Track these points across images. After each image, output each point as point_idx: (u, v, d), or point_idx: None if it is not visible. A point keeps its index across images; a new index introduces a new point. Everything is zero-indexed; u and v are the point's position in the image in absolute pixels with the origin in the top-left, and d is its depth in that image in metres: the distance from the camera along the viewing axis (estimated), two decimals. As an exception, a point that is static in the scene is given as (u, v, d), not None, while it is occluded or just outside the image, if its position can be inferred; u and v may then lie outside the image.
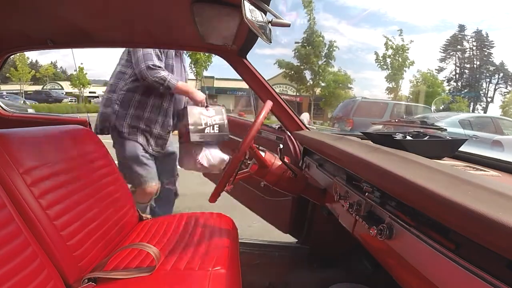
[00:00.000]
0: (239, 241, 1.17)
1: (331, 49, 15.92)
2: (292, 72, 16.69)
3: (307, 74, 16.75)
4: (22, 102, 14.29)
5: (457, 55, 21.93)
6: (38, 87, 23.12)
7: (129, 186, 1.65)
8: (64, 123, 1.52)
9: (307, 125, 1.47)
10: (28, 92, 20.10)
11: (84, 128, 1.22)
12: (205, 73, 15.32)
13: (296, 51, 16.10)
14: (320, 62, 16.06)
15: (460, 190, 0.46)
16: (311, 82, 16.86)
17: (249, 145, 0.94)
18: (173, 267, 0.90)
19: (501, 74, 20.62)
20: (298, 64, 16.47)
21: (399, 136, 0.92)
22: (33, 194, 0.80)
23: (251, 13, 0.69)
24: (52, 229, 0.81)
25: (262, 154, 1.06)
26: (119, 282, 0.81)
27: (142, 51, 1.48)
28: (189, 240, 1.05)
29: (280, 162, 1.07)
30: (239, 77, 1.46)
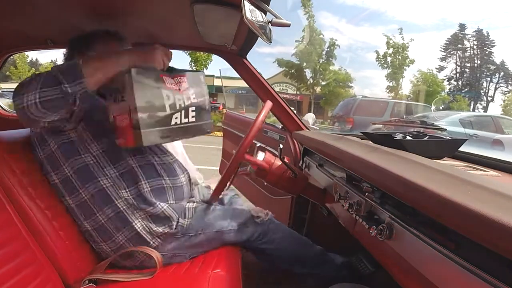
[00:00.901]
0: None
1: (332, 48, 15.89)
2: (293, 70, 16.68)
3: (308, 73, 16.76)
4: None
5: (457, 54, 21.92)
6: (38, 86, 23.06)
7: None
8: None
9: (312, 126, 1.46)
10: (28, 91, 20.06)
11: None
12: (205, 72, 15.27)
13: (297, 49, 16.10)
14: (321, 61, 16.04)
15: (460, 190, 0.46)
16: (311, 81, 16.85)
17: (248, 146, 0.94)
18: (174, 271, 0.90)
19: (502, 73, 20.62)
20: (299, 62, 16.46)
21: (399, 136, 0.92)
22: (32, 194, 0.80)
23: (251, 13, 0.69)
24: (51, 228, 0.81)
25: (263, 154, 1.06)
26: (120, 285, 0.81)
27: None
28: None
29: (280, 162, 1.07)
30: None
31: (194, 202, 1.01)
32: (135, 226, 0.87)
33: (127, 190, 0.87)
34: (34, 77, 0.70)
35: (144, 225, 0.88)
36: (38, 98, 0.67)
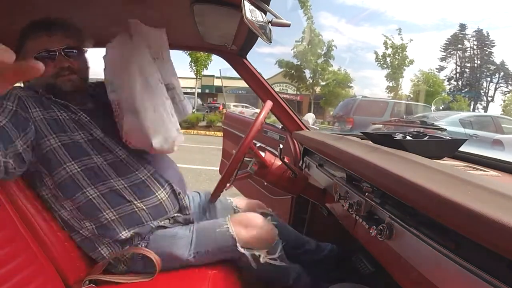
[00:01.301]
0: None
1: (330, 48, 15.94)
2: (292, 71, 16.72)
3: (307, 73, 16.79)
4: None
5: (457, 54, 21.95)
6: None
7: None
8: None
9: (312, 126, 1.46)
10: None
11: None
12: (205, 72, 15.30)
13: (295, 49, 16.15)
14: (319, 61, 16.08)
15: (460, 190, 0.46)
16: (311, 81, 16.88)
17: (248, 145, 0.94)
18: (173, 272, 0.89)
19: (502, 73, 20.64)
20: (298, 63, 16.50)
21: (399, 136, 0.92)
22: (30, 196, 0.80)
23: (251, 13, 0.69)
24: (50, 229, 0.81)
25: (262, 154, 1.06)
26: (120, 286, 0.82)
27: None
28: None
29: (280, 162, 1.07)
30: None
31: (163, 223, 0.90)
32: (102, 252, 0.84)
33: (89, 221, 0.82)
34: None
35: (110, 251, 0.85)
36: None
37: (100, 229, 0.83)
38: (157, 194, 0.88)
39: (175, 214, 0.93)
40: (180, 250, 0.87)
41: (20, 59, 0.79)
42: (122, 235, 0.84)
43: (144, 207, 0.86)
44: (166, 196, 0.90)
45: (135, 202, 0.85)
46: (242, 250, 0.88)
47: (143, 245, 0.87)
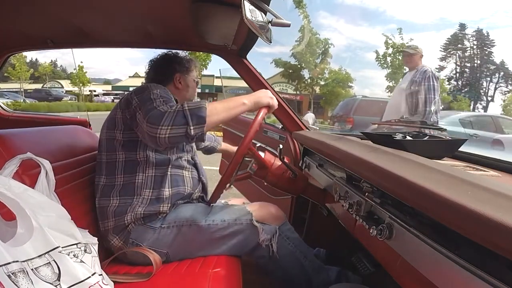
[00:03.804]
0: None
1: (326, 47, 15.92)
2: (291, 71, 16.68)
3: (306, 73, 16.77)
4: (22, 100, 14.40)
5: (457, 54, 21.94)
6: (38, 86, 23.17)
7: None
8: (64, 124, 1.53)
9: (312, 126, 1.45)
10: (28, 91, 20.15)
11: (84, 128, 1.22)
12: (205, 72, 15.28)
13: (293, 50, 16.13)
14: (317, 61, 16.06)
15: (460, 190, 0.46)
16: (309, 81, 16.85)
17: (247, 146, 0.94)
18: (174, 269, 0.90)
19: (502, 73, 20.64)
20: (296, 63, 16.46)
21: (399, 136, 0.92)
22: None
23: (251, 13, 0.69)
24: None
25: (262, 154, 1.06)
26: (120, 286, 0.81)
27: None
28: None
29: (280, 162, 1.07)
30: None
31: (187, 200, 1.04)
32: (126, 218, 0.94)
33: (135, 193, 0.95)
34: (169, 113, 0.81)
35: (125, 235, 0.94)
36: (168, 134, 0.80)
37: (138, 200, 0.95)
38: (195, 191, 1.06)
39: (199, 195, 1.10)
40: (198, 215, 0.97)
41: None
42: (156, 208, 0.96)
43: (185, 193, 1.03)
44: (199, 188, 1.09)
45: (187, 187, 1.04)
46: (256, 223, 0.97)
47: (165, 216, 0.97)
